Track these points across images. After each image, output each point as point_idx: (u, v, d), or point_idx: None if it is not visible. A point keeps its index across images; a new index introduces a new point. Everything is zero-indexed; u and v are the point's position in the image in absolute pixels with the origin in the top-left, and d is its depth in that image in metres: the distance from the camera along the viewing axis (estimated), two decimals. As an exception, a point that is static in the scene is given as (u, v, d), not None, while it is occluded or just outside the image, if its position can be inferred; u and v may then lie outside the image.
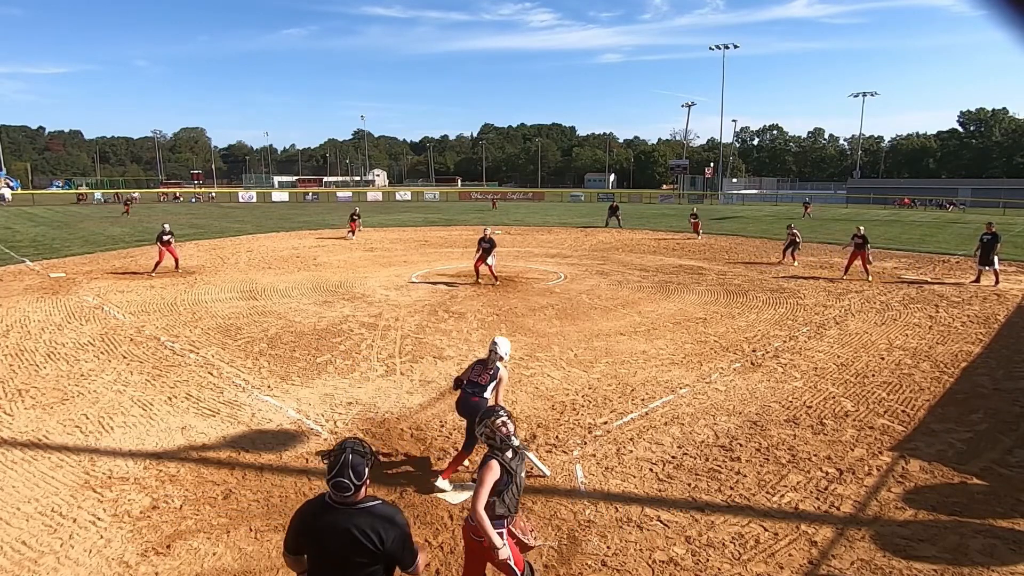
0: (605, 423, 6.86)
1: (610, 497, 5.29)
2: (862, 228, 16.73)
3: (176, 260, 17.07)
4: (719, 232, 30.47)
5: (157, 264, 16.58)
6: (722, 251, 22.71)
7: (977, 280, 15.63)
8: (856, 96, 79.70)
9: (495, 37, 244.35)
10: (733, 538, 4.68)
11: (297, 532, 2.86)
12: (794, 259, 19.25)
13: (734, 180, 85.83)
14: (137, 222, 34.56)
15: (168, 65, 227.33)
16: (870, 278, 16.08)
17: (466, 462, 5.70)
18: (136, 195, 67.40)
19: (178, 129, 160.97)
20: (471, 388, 5.47)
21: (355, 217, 27.60)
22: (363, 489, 2.78)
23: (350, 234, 26.92)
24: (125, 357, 9.22)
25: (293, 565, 2.99)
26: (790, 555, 4.48)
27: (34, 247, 22.89)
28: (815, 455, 6.08)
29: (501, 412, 3.60)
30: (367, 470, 2.76)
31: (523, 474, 3.63)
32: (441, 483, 5.46)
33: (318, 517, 2.81)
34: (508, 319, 11.69)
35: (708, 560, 4.42)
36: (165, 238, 16.62)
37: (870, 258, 16.39)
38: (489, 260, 15.31)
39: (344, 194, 70.72)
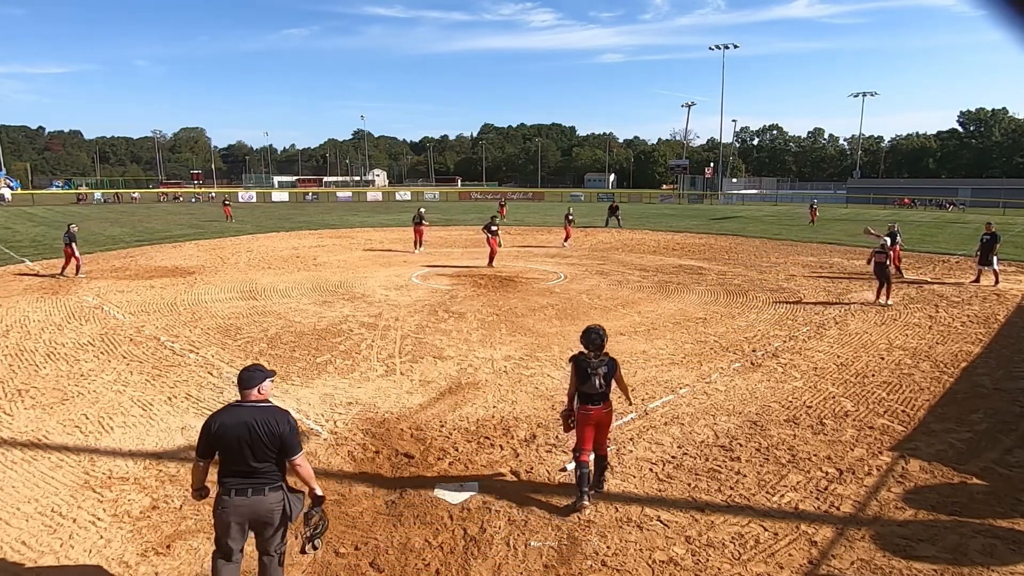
0: (605, 423, 6.85)
1: (610, 497, 5.28)
2: (896, 225, 16.45)
3: (78, 265, 16.14)
4: (719, 232, 30.49)
5: (65, 266, 16.06)
6: (722, 251, 22.71)
7: (977, 280, 15.64)
8: (856, 96, 79.85)
9: (495, 37, 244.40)
10: (733, 538, 4.68)
11: (208, 434, 3.60)
12: (901, 273, 16.76)
13: (734, 180, 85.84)
14: (138, 222, 34.55)
15: (168, 65, 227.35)
16: (904, 275, 16.43)
17: (468, 465, 5.71)
18: (136, 195, 67.49)
19: (178, 129, 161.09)
20: (879, 257, 12.72)
21: (421, 221, 21.65)
22: (256, 391, 3.67)
23: (417, 248, 21.70)
24: (125, 357, 9.22)
25: (197, 473, 3.74)
26: (790, 555, 4.48)
27: (34, 247, 22.89)
28: (815, 455, 6.08)
29: None
30: (267, 380, 3.72)
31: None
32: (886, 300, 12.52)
33: (224, 415, 3.64)
34: (508, 319, 11.69)
35: (708, 560, 4.42)
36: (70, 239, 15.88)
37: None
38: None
39: (344, 194, 70.71)
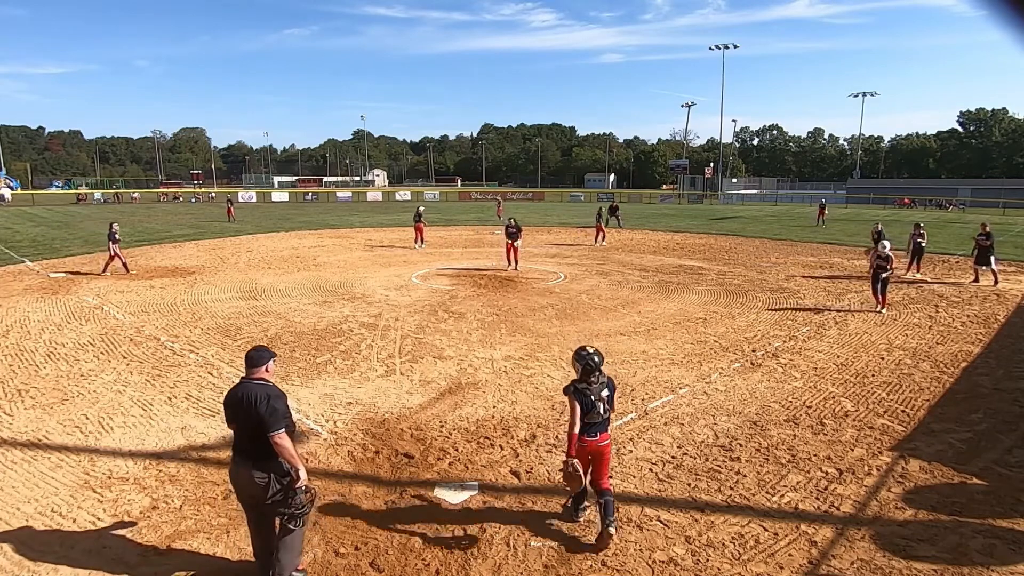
0: (605, 423, 6.85)
1: (610, 497, 5.28)
2: (880, 225, 16.75)
3: (109, 263, 16.69)
4: (719, 232, 30.49)
5: (125, 263, 16.78)
6: (722, 251, 22.71)
7: (976, 280, 15.63)
8: (856, 96, 79.87)
9: (496, 37, 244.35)
10: (733, 538, 4.68)
11: (224, 405, 3.95)
12: (917, 268, 16.86)
13: (734, 180, 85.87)
14: (138, 222, 34.54)
15: (168, 65, 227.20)
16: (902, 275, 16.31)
17: (468, 465, 5.69)
18: (136, 195, 67.50)
19: (178, 129, 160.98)
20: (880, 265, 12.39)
21: (419, 219, 23.30)
22: (261, 371, 3.93)
23: (417, 244, 23.14)
24: (125, 357, 9.22)
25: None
26: (790, 555, 4.48)
27: (34, 247, 22.89)
28: (815, 455, 6.08)
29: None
30: (269, 360, 4.01)
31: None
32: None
33: (231, 390, 3.95)
34: (508, 319, 11.69)
35: (708, 560, 4.42)
36: (117, 238, 16.62)
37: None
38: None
39: (344, 194, 70.74)
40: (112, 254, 16.55)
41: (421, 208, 24.19)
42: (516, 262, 17.74)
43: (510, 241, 17.67)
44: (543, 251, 22.36)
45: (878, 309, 12.45)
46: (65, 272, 16.84)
